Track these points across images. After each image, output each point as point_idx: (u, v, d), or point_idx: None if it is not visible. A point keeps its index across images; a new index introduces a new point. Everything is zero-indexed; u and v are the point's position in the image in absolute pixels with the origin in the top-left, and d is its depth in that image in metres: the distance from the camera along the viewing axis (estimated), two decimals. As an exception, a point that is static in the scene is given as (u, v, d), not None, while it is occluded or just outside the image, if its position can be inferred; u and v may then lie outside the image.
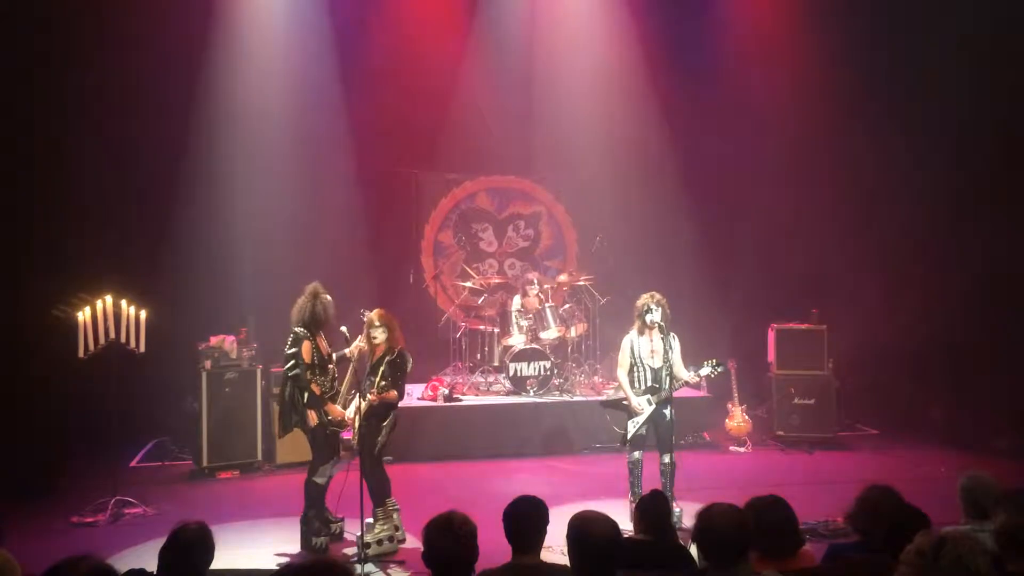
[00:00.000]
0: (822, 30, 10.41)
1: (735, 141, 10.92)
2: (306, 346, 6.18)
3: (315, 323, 6.27)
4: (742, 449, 9.21)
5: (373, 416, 6.20)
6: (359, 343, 6.45)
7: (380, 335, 6.26)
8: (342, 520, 6.46)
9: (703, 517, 3.23)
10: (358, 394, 6.09)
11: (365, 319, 6.40)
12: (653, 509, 4.24)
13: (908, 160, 10.01)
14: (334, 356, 6.49)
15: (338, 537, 6.40)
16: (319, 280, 6.50)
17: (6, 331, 8.21)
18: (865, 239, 10.63)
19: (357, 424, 6.14)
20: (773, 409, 9.49)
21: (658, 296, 6.74)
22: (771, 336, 9.60)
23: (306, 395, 6.17)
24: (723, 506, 3.29)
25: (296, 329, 6.23)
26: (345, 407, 6.42)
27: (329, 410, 6.24)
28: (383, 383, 6.21)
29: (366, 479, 5.88)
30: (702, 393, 9.43)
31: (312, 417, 6.19)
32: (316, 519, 6.25)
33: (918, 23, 9.82)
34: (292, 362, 6.14)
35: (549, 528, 3.51)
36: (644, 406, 6.65)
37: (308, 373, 6.16)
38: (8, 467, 7.31)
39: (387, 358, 6.26)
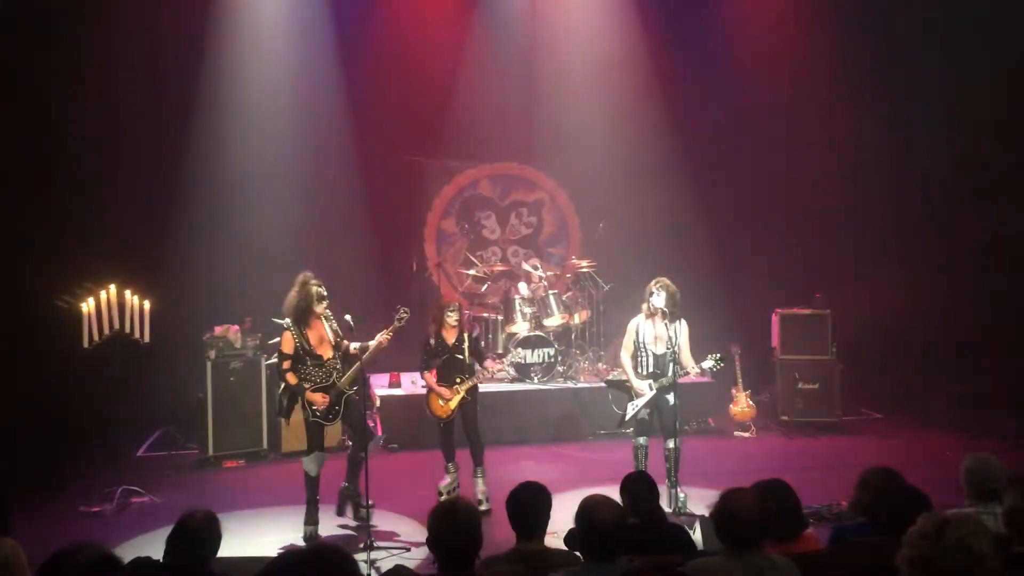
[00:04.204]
0: (828, 17, 10.36)
1: (738, 125, 10.86)
2: (286, 336, 6.24)
3: (300, 313, 6.25)
4: (747, 434, 9.21)
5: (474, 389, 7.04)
6: (387, 334, 6.38)
7: (456, 317, 6.99)
8: (372, 505, 6.43)
9: (730, 500, 3.19)
10: (460, 374, 6.92)
11: (405, 315, 6.43)
12: (633, 486, 4.17)
13: (912, 145, 9.96)
14: (352, 347, 6.40)
15: (365, 519, 6.37)
16: (323, 268, 6.51)
17: (10, 322, 8.23)
18: (869, 223, 10.60)
19: (458, 400, 6.95)
20: (777, 394, 9.49)
21: (664, 281, 6.62)
22: (775, 321, 9.58)
23: (282, 385, 6.35)
24: (749, 491, 3.28)
25: (281, 320, 6.35)
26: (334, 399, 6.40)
27: (310, 399, 6.25)
28: (472, 359, 7.02)
29: (474, 440, 6.98)
30: (706, 379, 9.39)
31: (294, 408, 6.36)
32: (313, 506, 6.27)
33: (917, 22, 9.80)
34: (276, 353, 6.42)
35: (553, 514, 3.51)
36: (645, 389, 6.63)
37: (286, 363, 6.22)
38: (15, 457, 7.33)
39: (467, 336, 7.06)
